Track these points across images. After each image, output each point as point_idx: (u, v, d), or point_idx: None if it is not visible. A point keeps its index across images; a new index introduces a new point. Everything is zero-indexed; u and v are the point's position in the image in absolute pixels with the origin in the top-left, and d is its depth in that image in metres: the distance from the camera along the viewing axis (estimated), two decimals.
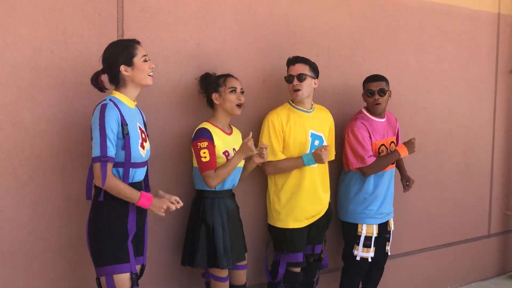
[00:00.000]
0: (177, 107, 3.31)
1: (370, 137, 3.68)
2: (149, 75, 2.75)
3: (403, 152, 3.72)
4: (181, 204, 2.84)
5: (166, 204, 2.71)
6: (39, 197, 2.90)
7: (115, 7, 3.06)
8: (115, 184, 2.60)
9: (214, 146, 3.09)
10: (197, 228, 3.14)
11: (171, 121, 3.29)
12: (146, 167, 2.87)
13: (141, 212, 2.80)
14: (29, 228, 2.91)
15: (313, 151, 3.40)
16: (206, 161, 3.03)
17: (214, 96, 3.19)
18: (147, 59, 2.74)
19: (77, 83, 2.96)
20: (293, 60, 3.46)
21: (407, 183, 3.97)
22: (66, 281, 3.03)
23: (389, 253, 3.95)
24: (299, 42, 3.79)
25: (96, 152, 2.58)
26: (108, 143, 2.57)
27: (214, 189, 3.14)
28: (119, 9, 3.07)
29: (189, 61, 3.32)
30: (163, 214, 2.72)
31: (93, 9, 2.99)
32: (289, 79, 3.43)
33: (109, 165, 2.59)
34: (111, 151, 2.59)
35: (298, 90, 3.41)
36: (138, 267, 2.88)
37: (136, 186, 2.78)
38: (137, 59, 2.70)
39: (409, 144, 3.73)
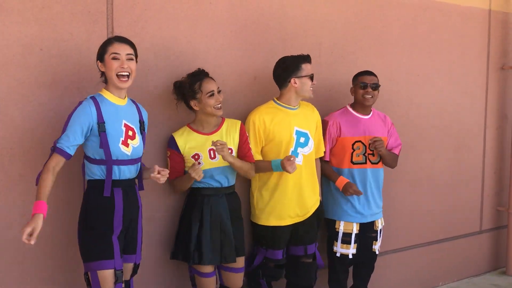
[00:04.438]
0: (167, 104, 3.29)
1: (340, 136, 3.70)
2: (117, 75, 2.68)
3: (339, 185, 3.68)
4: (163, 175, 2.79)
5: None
6: (30, 195, 2.88)
7: (104, 4, 3.04)
8: (41, 179, 2.56)
9: (177, 154, 3.17)
10: (179, 222, 3.25)
11: (161, 117, 3.28)
12: (137, 164, 2.85)
13: (131, 209, 2.80)
14: (20, 226, 2.89)
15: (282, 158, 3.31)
16: (169, 171, 3.00)
17: (193, 103, 3.16)
18: (117, 57, 2.67)
19: (67, 80, 2.95)
20: (310, 59, 3.47)
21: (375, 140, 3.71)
22: (58, 278, 3.03)
23: (377, 252, 3.92)
24: (290, 39, 3.79)
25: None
26: (65, 136, 2.58)
27: (200, 186, 3.18)
28: (108, 6, 3.06)
29: (179, 58, 3.31)
30: None
31: (82, 6, 2.98)
32: (312, 77, 3.45)
33: (55, 156, 2.58)
34: (64, 144, 2.57)
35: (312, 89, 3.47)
36: (130, 265, 2.88)
37: (126, 183, 2.77)
38: (107, 56, 2.68)
39: (349, 185, 3.65)
